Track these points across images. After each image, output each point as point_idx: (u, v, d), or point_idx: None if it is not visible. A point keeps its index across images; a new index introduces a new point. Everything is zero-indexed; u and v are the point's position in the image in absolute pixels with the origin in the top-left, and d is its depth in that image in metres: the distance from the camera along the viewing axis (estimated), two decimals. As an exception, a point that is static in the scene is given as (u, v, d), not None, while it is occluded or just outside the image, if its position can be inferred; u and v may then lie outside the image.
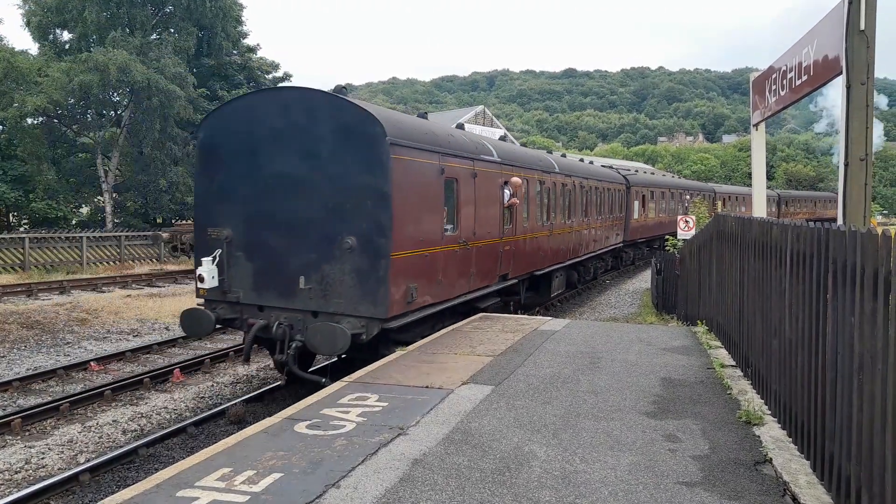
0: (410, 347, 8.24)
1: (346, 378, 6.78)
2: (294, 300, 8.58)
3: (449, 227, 10.13)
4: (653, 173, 53.57)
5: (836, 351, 3.83)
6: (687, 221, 17.09)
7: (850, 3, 5.15)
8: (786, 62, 7.12)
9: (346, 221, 8.33)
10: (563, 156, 18.87)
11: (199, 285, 8.95)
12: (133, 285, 20.92)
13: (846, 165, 5.19)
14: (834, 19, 5.58)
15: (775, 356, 5.17)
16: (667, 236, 22.30)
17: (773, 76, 7.63)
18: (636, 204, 25.49)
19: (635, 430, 5.06)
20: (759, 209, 8.66)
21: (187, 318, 9.03)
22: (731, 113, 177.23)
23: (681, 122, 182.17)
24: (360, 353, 8.66)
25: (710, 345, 8.23)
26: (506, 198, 12.35)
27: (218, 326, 9.20)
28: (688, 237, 15.34)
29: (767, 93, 7.92)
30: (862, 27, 5.12)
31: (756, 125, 8.83)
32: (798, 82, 6.61)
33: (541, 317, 11.99)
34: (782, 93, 7.24)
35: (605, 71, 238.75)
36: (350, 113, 8.50)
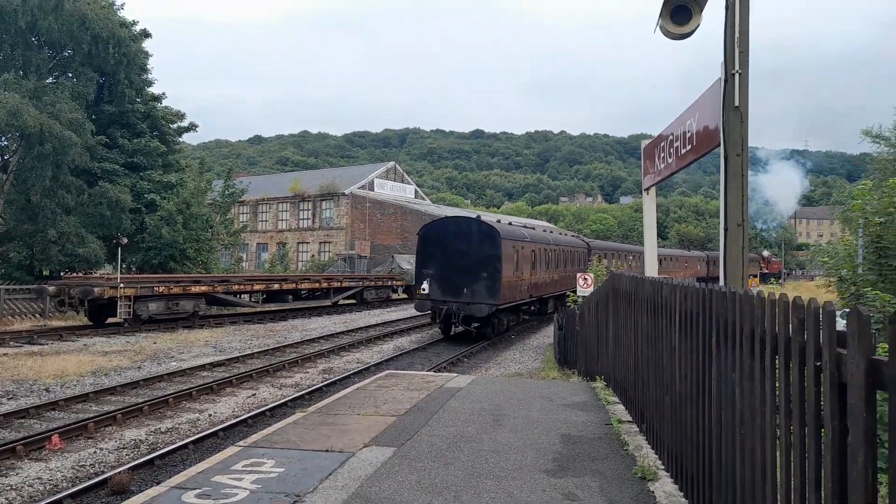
0: (311, 409, 7.99)
1: (240, 442, 6.47)
2: (461, 298, 21.01)
3: (514, 270, 22.64)
4: (609, 238, 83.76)
5: (720, 406, 4.00)
6: (586, 279, 17.69)
7: (725, 82, 5.62)
8: (673, 131, 7.63)
9: (483, 267, 21.01)
10: (499, 220, 28.66)
11: (423, 292, 21.51)
12: (11, 343, 19.34)
13: (725, 230, 5.56)
14: (713, 94, 6.06)
15: (667, 412, 5.35)
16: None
17: (662, 144, 8.15)
18: (595, 261, 37.71)
19: (536, 490, 5.07)
20: (651, 269, 9.10)
21: (419, 303, 21.93)
22: (628, 175, 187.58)
23: (581, 184, 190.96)
24: (484, 321, 21.36)
25: (608, 400, 8.44)
26: (531, 258, 24.75)
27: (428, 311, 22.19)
28: (587, 294, 15.86)
29: (657, 159, 8.44)
30: (737, 104, 5.59)
31: (647, 189, 9.35)
32: (683, 151, 7.09)
33: (447, 374, 11.97)
34: (670, 160, 7.73)
35: (511, 133, 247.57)
36: (487, 226, 22.01)
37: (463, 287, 21.01)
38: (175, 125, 37.53)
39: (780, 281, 70.06)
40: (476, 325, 21.56)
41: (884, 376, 2.26)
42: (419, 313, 23.38)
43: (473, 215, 25.88)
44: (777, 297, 3.23)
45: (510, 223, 28.28)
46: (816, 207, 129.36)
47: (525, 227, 29.91)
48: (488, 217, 30.82)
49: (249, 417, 11.31)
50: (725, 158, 5.51)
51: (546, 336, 24.28)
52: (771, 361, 3.27)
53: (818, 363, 2.74)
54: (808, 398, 2.83)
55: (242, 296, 28.13)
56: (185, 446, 9.61)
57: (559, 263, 29.69)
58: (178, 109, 37.84)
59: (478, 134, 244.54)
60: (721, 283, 5.54)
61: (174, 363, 16.90)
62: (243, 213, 67.00)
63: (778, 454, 3.21)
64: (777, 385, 3.24)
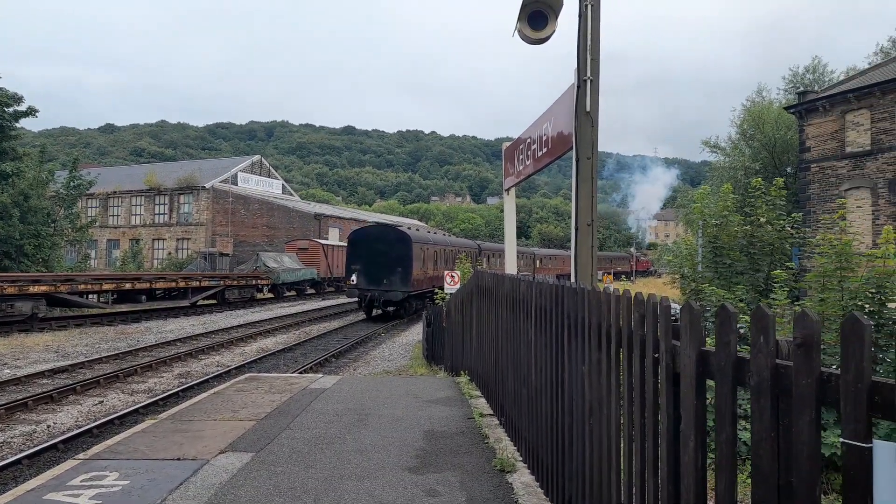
0: (163, 416, 7.51)
1: (80, 455, 5.96)
2: (381, 286, 28.03)
3: (421, 266, 29.68)
4: (477, 237, 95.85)
5: (571, 398, 4.18)
6: (453, 276, 17.98)
7: (578, 88, 5.89)
8: (531, 134, 7.90)
9: (398, 264, 28.17)
10: (410, 227, 36.60)
11: (352, 283, 28.43)
12: None
13: (576, 230, 5.84)
14: (567, 100, 6.33)
15: (525, 404, 5.53)
16: None
17: (521, 146, 8.42)
18: (484, 260, 43.19)
19: (397, 488, 5.05)
20: (511, 265, 9.38)
21: (349, 291, 29.10)
22: (494, 177, 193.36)
23: (451, 184, 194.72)
24: (398, 304, 28.34)
25: (472, 394, 8.61)
26: (433, 257, 31.64)
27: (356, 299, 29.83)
28: (454, 291, 16.12)
29: (517, 161, 8.71)
30: (588, 109, 5.87)
31: (508, 189, 9.65)
32: (540, 154, 7.36)
33: (312, 375, 11.74)
34: (528, 162, 8.01)
35: (383, 131, 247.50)
36: (401, 232, 30.24)
37: (383, 278, 28.00)
38: (10, 109, 33.98)
39: (631, 278, 74.99)
40: (392, 307, 28.43)
41: (711, 366, 2.44)
42: (349, 300, 33.06)
43: (393, 223, 35.80)
44: (621, 293, 3.41)
45: (417, 229, 38.41)
46: (664, 210, 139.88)
47: (430, 231, 41.39)
48: (406, 224, 39.36)
49: (95, 427, 10.47)
50: (577, 161, 5.77)
51: (416, 333, 24.46)
52: (616, 354, 3.45)
53: (656, 355, 2.91)
54: (647, 388, 3.01)
55: (90, 296, 26.02)
56: (17, 462, 8.73)
57: (453, 262, 37.50)
58: (13, 91, 34.30)
59: (349, 130, 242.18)
60: (572, 279, 5.80)
61: (7, 371, 15.33)
62: (92, 207, 62.13)
63: (622, 442, 3.39)
64: (621, 376, 3.42)
